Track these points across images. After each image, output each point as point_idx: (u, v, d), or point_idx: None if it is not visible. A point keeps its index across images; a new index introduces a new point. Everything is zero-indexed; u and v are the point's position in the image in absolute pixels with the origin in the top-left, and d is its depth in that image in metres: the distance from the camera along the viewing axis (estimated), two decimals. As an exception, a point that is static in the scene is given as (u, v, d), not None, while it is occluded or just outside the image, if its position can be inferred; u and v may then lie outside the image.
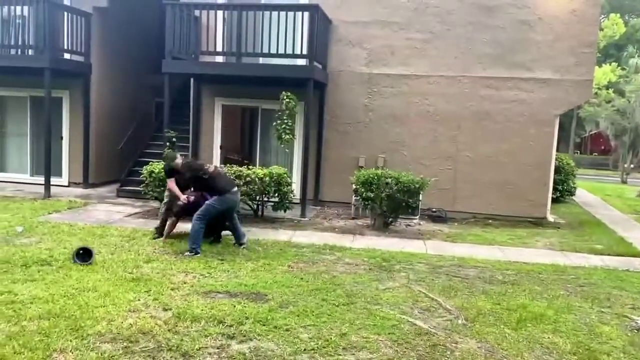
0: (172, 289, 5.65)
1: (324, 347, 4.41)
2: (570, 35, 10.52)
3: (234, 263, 6.81)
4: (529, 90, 10.68)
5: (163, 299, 5.32)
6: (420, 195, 9.49)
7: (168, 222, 7.95)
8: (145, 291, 5.52)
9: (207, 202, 7.38)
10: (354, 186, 9.71)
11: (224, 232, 7.93)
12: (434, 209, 10.69)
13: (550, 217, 11.10)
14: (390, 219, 9.40)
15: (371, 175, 9.10)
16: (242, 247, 7.56)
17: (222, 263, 6.78)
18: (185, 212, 7.80)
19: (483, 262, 7.47)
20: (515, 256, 7.98)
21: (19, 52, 11.45)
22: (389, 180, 8.96)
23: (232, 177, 8.88)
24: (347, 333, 4.71)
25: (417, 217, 10.21)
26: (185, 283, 5.89)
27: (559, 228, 10.46)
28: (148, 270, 6.27)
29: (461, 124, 10.93)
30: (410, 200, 9.11)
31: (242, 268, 6.60)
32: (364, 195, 9.14)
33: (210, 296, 5.52)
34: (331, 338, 4.58)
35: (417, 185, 9.03)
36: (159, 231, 8.00)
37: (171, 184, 7.91)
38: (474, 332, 4.92)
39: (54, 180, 11.54)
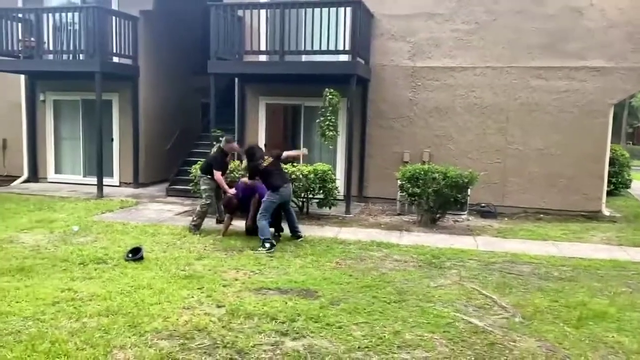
0: (224, 286, 5.72)
1: (378, 345, 4.36)
2: (625, 21, 10.05)
3: (283, 260, 6.84)
4: (582, 79, 10.27)
5: (216, 296, 5.39)
6: (469, 190, 9.27)
7: (225, 219, 8.22)
8: (198, 288, 5.61)
9: (263, 199, 7.64)
10: (399, 182, 9.60)
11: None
12: (482, 204, 10.44)
13: (606, 211, 10.66)
14: (438, 215, 9.23)
15: (417, 171, 8.96)
16: (299, 239, 7.86)
17: (272, 260, 6.82)
18: (238, 208, 7.97)
19: (537, 258, 7.23)
20: (570, 252, 7.70)
21: (71, 57, 11.84)
22: (436, 175, 8.80)
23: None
24: (400, 331, 4.64)
25: (466, 212, 9.99)
26: (236, 280, 5.95)
27: (615, 222, 10.03)
28: (200, 268, 6.37)
29: (510, 116, 10.63)
30: (459, 196, 8.92)
31: (290, 265, 6.63)
32: (410, 191, 9.01)
33: (262, 293, 5.56)
34: (385, 336, 4.52)
35: (465, 180, 8.83)
36: (197, 227, 8.23)
37: (218, 175, 8.13)
38: (532, 331, 4.76)
39: (105, 180, 11.89)
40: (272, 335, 4.50)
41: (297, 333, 4.55)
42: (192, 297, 5.37)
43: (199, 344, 4.29)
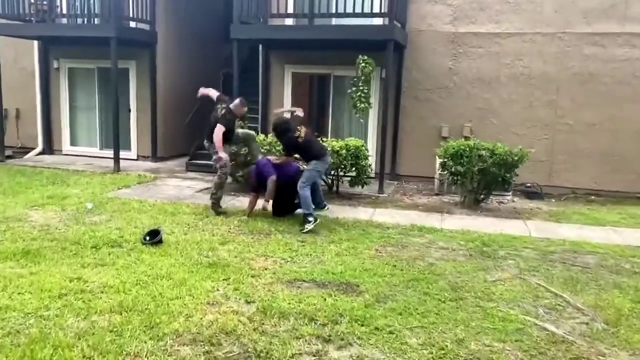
0: (252, 277, 5.04)
1: (441, 358, 3.64)
2: (696, -20, 8.96)
3: (316, 246, 6.13)
4: (644, 46, 9.25)
5: (244, 289, 4.71)
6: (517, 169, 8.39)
7: (249, 199, 7.55)
8: (223, 279, 4.94)
9: (307, 168, 7.12)
10: (439, 159, 8.78)
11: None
12: (528, 184, 9.58)
13: (664, 193, 9.72)
14: (482, 196, 8.41)
15: (462, 147, 8.11)
16: (325, 208, 7.49)
17: (304, 246, 6.11)
18: (261, 186, 7.28)
19: (600, 247, 6.41)
20: (636, 240, 6.85)
21: (85, 21, 11.11)
22: (483, 152, 7.94)
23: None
24: (464, 339, 3.91)
25: (510, 193, 9.14)
26: (266, 269, 5.26)
27: (676, 205, 9.11)
28: (225, 254, 5.70)
29: (560, 88, 9.66)
30: (507, 175, 8.06)
31: (325, 252, 5.91)
32: (453, 169, 8.18)
33: (296, 285, 4.87)
34: (446, 345, 3.80)
35: (515, 158, 7.97)
36: (218, 202, 7.54)
37: (219, 131, 7.25)
38: (621, 341, 3.99)
39: (122, 153, 11.27)
40: (313, 341, 3.80)
41: (342, 339, 3.84)
42: (218, 290, 4.69)
43: (227, 352, 3.62)
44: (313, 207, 6.91)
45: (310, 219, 6.71)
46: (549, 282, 5.16)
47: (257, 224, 6.93)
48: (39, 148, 12.54)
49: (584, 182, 9.69)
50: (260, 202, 7.35)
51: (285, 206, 7.44)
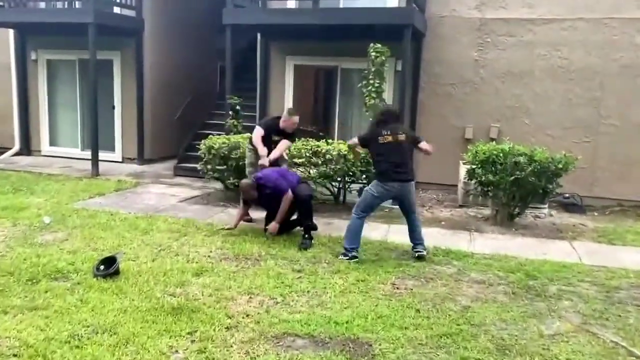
0: (227, 329, 3.76)
1: None
2: None
3: (316, 277, 4.84)
4: None
5: (213, 351, 3.43)
6: (560, 179, 7.02)
7: (239, 209, 6.51)
8: (188, 333, 3.66)
9: (365, 189, 5.64)
10: (464, 166, 7.46)
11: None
12: (566, 195, 8.22)
13: None
14: (517, 210, 7.07)
15: (494, 152, 6.76)
16: (420, 259, 5.45)
17: (300, 278, 4.82)
18: (256, 202, 6.09)
19: (676, 281, 5.08)
20: None
21: (66, 6, 9.92)
22: (520, 158, 6.60)
23: (308, 155, 7.13)
24: None
25: (546, 205, 7.79)
26: (247, 316, 3.98)
27: None
28: (197, 290, 4.43)
29: (605, 82, 8.30)
30: (550, 186, 6.72)
31: (327, 287, 4.63)
32: (482, 178, 6.85)
33: (285, 344, 3.58)
34: None
35: (559, 166, 6.62)
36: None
37: (257, 134, 6.41)
38: None
39: (106, 155, 10.16)
40: None
41: None
42: (177, 352, 3.42)
43: None
44: (359, 242, 5.53)
45: (349, 254, 5.37)
46: (629, 339, 3.83)
47: (246, 246, 5.65)
48: (16, 148, 11.36)
49: (633, 193, 8.32)
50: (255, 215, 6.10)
51: (282, 222, 6.17)
